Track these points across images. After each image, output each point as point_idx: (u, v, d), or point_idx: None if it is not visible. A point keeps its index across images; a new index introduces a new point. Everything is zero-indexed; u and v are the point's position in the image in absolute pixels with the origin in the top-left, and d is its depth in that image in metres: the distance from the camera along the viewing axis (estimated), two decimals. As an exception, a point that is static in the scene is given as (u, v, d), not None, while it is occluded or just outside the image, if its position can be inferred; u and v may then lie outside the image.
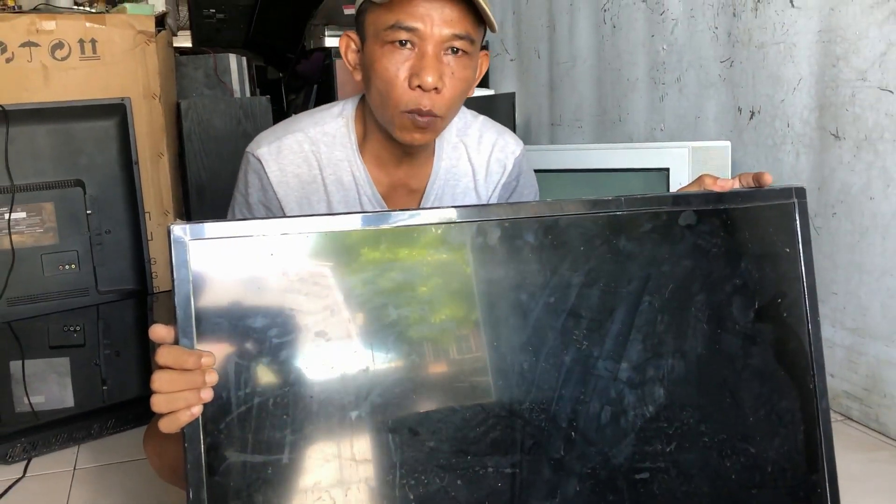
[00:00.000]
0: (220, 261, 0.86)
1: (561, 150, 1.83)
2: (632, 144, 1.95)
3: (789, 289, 1.01)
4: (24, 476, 1.36)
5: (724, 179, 1.01)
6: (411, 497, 0.88)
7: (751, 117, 1.75)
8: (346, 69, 2.77)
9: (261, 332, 0.86)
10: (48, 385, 1.80)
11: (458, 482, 0.89)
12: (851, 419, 1.68)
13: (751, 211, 1.01)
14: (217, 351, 0.83)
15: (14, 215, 2.10)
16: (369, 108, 1.16)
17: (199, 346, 0.83)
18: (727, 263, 0.99)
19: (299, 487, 0.86)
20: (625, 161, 1.64)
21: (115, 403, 1.66)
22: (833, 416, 1.01)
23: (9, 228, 2.10)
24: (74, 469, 1.38)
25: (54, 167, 2.18)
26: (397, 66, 1.06)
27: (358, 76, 1.14)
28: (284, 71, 3.61)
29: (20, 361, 1.94)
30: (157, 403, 0.80)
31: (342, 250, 0.89)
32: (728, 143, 1.57)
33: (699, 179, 1.03)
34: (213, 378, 0.81)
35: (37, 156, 2.16)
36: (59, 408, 1.66)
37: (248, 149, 1.19)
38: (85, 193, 2.20)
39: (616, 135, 2.21)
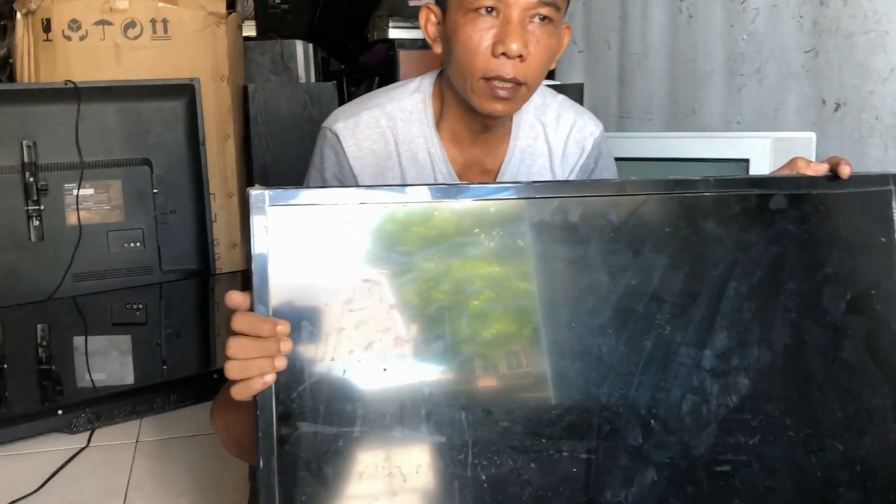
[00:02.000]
0: (297, 228, 0.84)
1: (633, 137, 1.78)
2: (709, 133, 1.90)
3: (884, 280, 0.97)
4: (87, 446, 1.37)
5: (818, 163, 0.97)
6: (483, 478, 0.85)
7: (835, 109, 1.69)
8: (409, 61, 2.77)
9: (335, 302, 0.84)
10: (110, 362, 1.82)
11: (532, 465, 0.86)
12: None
13: (845, 197, 0.97)
14: (292, 319, 0.81)
15: (82, 191, 2.13)
16: (447, 83, 1.13)
17: (274, 314, 0.82)
18: (818, 251, 0.95)
19: (370, 461, 0.84)
20: (701, 151, 1.59)
21: (178, 379, 1.66)
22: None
23: (77, 204, 2.13)
24: (137, 441, 1.39)
25: (123, 145, 2.20)
26: (481, 33, 1.03)
27: (438, 48, 1.12)
28: (347, 63, 3.61)
29: (83, 337, 1.96)
30: (231, 370, 0.79)
31: (419, 222, 0.87)
32: (813, 135, 1.52)
33: (791, 163, 0.99)
34: (287, 346, 0.80)
35: (106, 133, 2.18)
36: (120, 383, 1.67)
37: (324, 124, 1.18)
38: (152, 172, 2.22)
39: (689, 128, 2.15)
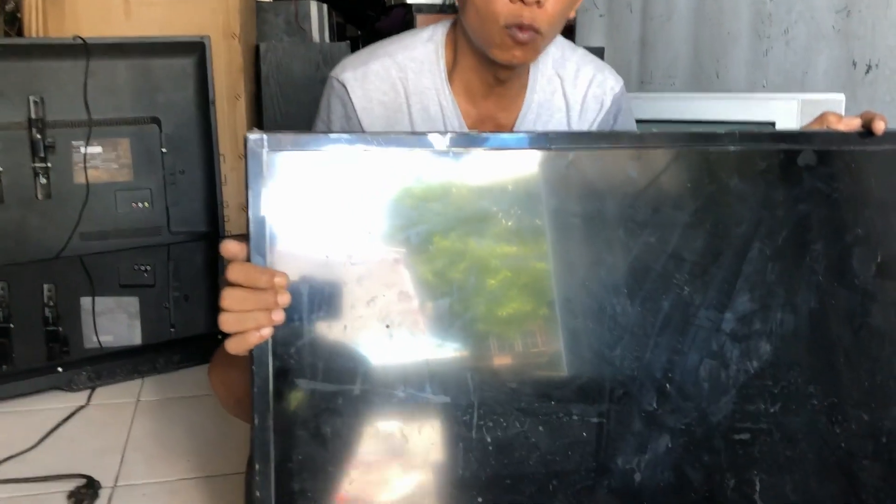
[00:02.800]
0: (297, 175, 0.80)
1: (654, 98, 1.72)
2: (733, 94, 1.84)
3: (918, 243, 0.91)
4: (87, 404, 1.35)
5: (850, 118, 0.92)
6: (488, 440, 0.81)
7: (867, 71, 1.63)
8: (426, 25, 2.70)
9: (337, 254, 0.81)
10: (113, 321, 1.79)
11: (540, 428, 0.82)
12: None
13: (878, 155, 0.91)
14: (291, 271, 0.78)
15: (90, 149, 2.09)
16: (461, 32, 1.08)
17: (272, 266, 0.78)
18: (848, 211, 0.90)
19: (370, 420, 0.80)
20: (725, 113, 1.53)
21: (182, 338, 1.63)
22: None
23: (84, 162, 2.09)
24: (138, 400, 1.36)
25: (131, 103, 2.15)
26: None
27: (453, -5, 1.07)
28: (363, 28, 3.55)
29: (88, 296, 1.93)
30: (226, 322, 0.75)
31: (426, 172, 0.83)
32: (842, 96, 1.45)
33: (822, 117, 0.94)
34: (285, 299, 0.76)
35: (114, 91, 2.13)
36: (122, 342, 1.64)
37: (332, 73, 1.13)
38: (161, 131, 2.17)
39: (712, 92, 2.09)
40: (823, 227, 0.89)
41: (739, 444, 0.85)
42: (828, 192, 0.89)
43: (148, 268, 2.12)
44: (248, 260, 0.78)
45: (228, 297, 0.75)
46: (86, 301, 1.92)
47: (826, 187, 0.89)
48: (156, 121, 2.14)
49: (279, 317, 0.76)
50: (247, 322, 0.75)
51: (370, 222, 0.81)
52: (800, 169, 0.89)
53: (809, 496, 0.86)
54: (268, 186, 0.79)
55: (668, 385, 0.85)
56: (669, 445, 0.84)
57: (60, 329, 1.78)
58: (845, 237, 0.89)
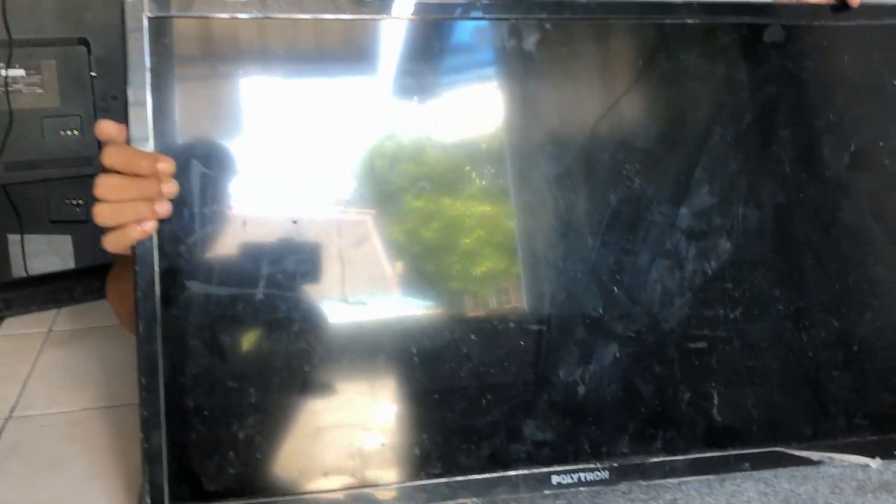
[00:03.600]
0: (186, 44, 0.69)
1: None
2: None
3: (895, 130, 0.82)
4: (-8, 335, 1.24)
5: (823, -10, 0.82)
6: (413, 351, 0.71)
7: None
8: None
9: (234, 137, 0.70)
10: (50, 267, 1.66)
11: (472, 337, 0.72)
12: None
13: (853, 31, 0.82)
14: (179, 156, 0.67)
15: (11, 73, 1.92)
16: None
17: (158, 150, 0.67)
18: (819, 94, 0.80)
19: (274, 328, 0.69)
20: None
21: (101, 265, 1.51)
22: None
23: (6, 86, 1.93)
24: (49, 331, 1.25)
25: (56, 22, 1.99)
26: None
27: None
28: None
29: (19, 236, 1.80)
30: (101, 214, 0.64)
31: (346, 41, 0.72)
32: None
33: (791, -11, 0.84)
34: (171, 188, 0.66)
35: (37, 9, 1.97)
36: (37, 269, 1.52)
37: None
38: (90, 54, 2.02)
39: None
40: (791, 111, 0.79)
41: (695, 353, 0.76)
42: (797, 72, 0.79)
43: (80, 202, 1.98)
44: (128, 143, 0.67)
45: (103, 185, 0.64)
46: (14, 239, 1.79)
47: (795, 67, 0.79)
48: (84, 42, 1.99)
49: (164, 209, 0.66)
50: (125, 214, 0.65)
51: (276, 100, 0.70)
52: (766, 46, 0.79)
53: (773, 410, 0.77)
54: (149, 57, 0.68)
55: (615, 288, 0.75)
56: (617, 355, 0.75)
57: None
58: (816, 123, 0.80)
